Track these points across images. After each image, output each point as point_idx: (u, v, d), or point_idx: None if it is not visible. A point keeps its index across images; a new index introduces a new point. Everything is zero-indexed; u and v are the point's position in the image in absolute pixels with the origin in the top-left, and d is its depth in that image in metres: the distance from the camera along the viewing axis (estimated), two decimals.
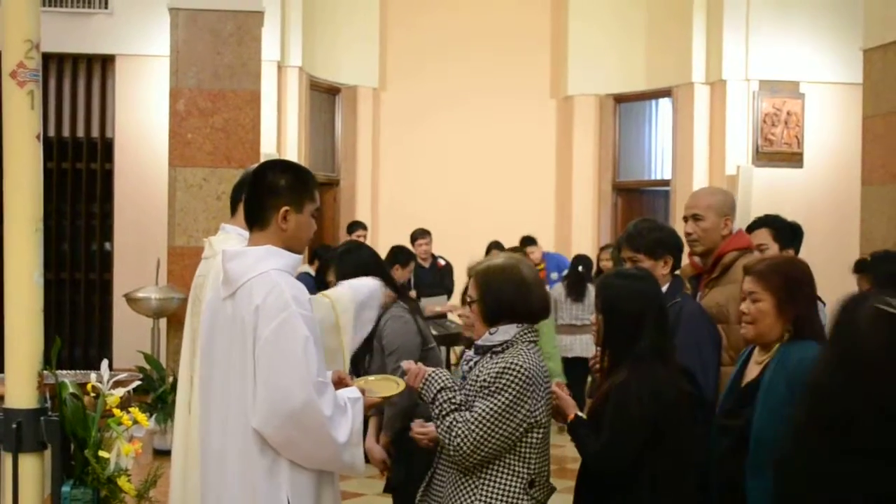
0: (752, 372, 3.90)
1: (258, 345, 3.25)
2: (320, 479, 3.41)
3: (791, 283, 3.80)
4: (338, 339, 4.60)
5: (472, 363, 3.80)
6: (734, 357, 4.41)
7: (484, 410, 3.56)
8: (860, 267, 5.10)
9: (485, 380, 3.61)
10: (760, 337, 3.85)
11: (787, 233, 5.30)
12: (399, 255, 9.94)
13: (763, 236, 5.29)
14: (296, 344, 3.25)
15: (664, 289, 4.61)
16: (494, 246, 10.54)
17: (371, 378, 3.93)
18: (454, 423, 3.59)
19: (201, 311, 3.87)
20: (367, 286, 4.88)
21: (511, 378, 3.59)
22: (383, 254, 8.27)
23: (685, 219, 4.91)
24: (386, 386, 3.81)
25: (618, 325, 3.88)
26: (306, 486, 3.35)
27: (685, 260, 4.93)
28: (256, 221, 3.47)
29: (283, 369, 3.23)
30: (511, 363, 3.60)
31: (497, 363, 3.63)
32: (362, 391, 3.55)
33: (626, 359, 3.83)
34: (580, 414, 3.92)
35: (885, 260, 5.12)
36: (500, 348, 3.70)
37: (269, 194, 3.44)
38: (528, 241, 11.39)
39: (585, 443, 3.83)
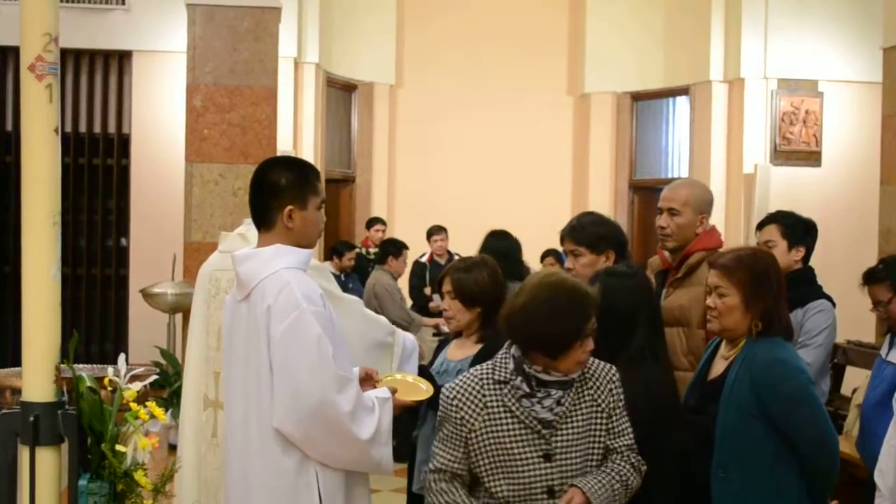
0: (719, 367, 3.85)
1: (271, 345, 3.27)
2: (350, 478, 3.41)
3: (758, 277, 3.73)
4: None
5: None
6: (693, 363, 4.31)
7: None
8: (872, 278, 4.98)
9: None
10: (726, 332, 3.79)
11: (798, 229, 5.22)
12: (391, 246, 10.07)
13: (771, 232, 5.21)
14: (308, 342, 3.25)
15: None
16: (550, 253, 10.46)
17: (398, 377, 3.90)
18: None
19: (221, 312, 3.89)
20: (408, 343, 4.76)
21: None
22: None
23: (659, 210, 4.76)
24: (413, 389, 3.79)
25: (611, 324, 3.75)
26: (337, 486, 3.35)
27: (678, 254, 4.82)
28: (262, 223, 3.47)
29: (297, 368, 3.25)
30: None
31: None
32: (393, 391, 3.54)
33: (620, 358, 3.73)
34: None
35: None
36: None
37: (271, 195, 3.43)
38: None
39: None
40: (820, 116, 12.21)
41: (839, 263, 5.17)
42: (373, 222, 12.31)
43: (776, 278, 3.76)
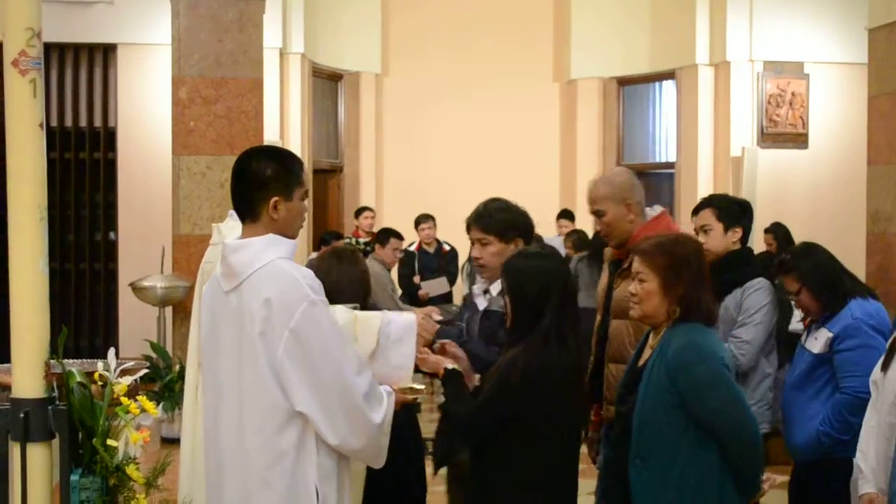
0: (646, 355, 3.84)
1: (280, 337, 3.24)
2: (340, 469, 3.41)
3: (676, 263, 3.71)
4: None
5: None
6: None
7: None
8: (782, 269, 5.03)
9: None
10: (647, 318, 3.79)
11: (734, 211, 5.25)
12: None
13: (707, 216, 5.23)
14: (324, 329, 3.27)
15: None
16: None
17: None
18: None
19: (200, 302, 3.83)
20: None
21: None
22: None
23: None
24: (408, 389, 3.80)
25: (523, 306, 3.80)
26: (330, 475, 3.35)
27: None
28: (247, 214, 3.42)
29: (316, 357, 3.25)
30: None
31: None
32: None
33: (532, 338, 3.77)
34: (453, 367, 3.86)
35: (807, 253, 5.05)
36: None
37: (255, 186, 3.38)
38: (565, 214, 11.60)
39: (454, 400, 3.82)
40: (806, 98, 12.23)
41: (827, 244, 5.15)
42: (361, 210, 12.32)
43: (696, 264, 3.74)
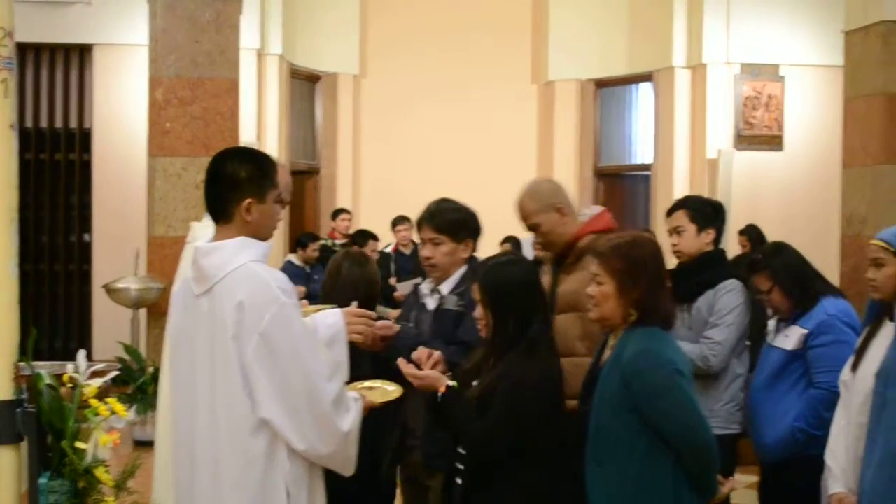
0: (605, 356, 3.82)
1: (250, 340, 3.20)
2: (312, 474, 3.39)
3: (633, 265, 3.66)
4: None
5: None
6: (591, 348, 4.30)
7: None
8: (753, 268, 5.06)
9: None
10: (604, 320, 3.75)
11: (706, 213, 5.27)
12: (358, 237, 10.08)
13: (680, 218, 5.25)
14: (294, 333, 3.24)
15: (460, 274, 4.56)
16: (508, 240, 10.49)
17: (366, 384, 3.84)
18: None
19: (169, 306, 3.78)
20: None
21: None
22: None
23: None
24: (380, 392, 3.76)
25: (510, 316, 3.82)
26: (301, 479, 3.33)
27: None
28: (220, 215, 3.38)
29: (285, 361, 3.22)
30: None
31: None
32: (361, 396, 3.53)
33: (518, 348, 3.79)
34: (452, 384, 3.83)
35: (777, 252, 5.10)
36: None
37: (229, 187, 3.34)
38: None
39: (466, 420, 3.75)
40: (782, 101, 12.26)
41: (802, 247, 5.17)
42: (338, 212, 12.29)
43: (654, 266, 3.70)
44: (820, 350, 4.75)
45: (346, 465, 3.43)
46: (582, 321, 4.33)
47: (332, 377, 3.33)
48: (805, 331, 4.80)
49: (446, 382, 3.80)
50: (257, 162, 3.42)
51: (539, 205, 4.73)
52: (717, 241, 5.27)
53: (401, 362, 3.82)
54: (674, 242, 5.27)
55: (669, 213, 5.35)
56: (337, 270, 4.81)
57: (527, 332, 3.80)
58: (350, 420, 3.35)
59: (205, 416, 3.33)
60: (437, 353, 4.01)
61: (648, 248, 3.75)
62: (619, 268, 3.65)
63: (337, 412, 3.30)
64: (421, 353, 4.00)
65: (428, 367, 3.94)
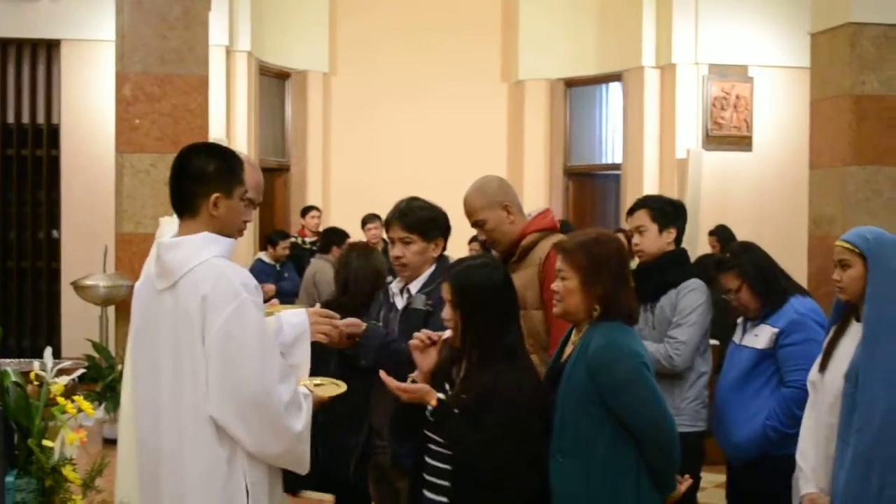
0: (568, 351, 3.85)
1: (209, 335, 3.18)
2: (271, 472, 3.38)
3: (596, 261, 3.70)
4: None
5: None
6: (534, 345, 4.36)
7: None
8: (721, 267, 5.09)
9: None
10: (568, 315, 3.79)
11: (668, 212, 5.28)
12: (334, 235, 10.06)
13: (641, 217, 5.26)
14: (251, 331, 3.20)
15: (429, 273, 4.54)
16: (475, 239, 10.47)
17: (316, 381, 3.78)
18: None
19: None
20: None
21: None
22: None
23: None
24: (329, 388, 3.73)
25: (484, 319, 3.74)
26: (261, 478, 3.32)
27: None
28: (186, 210, 3.36)
29: (239, 357, 3.18)
30: None
31: None
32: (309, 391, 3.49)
33: (497, 354, 3.71)
34: (442, 397, 3.76)
35: (746, 251, 5.13)
36: None
37: (196, 181, 3.32)
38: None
39: (462, 435, 3.67)
40: (750, 101, 12.35)
41: (771, 247, 5.20)
42: (308, 210, 12.27)
43: (617, 262, 3.74)
44: (791, 349, 4.78)
45: (300, 464, 3.40)
46: (524, 318, 4.30)
47: (286, 378, 3.29)
48: (776, 329, 4.83)
49: (437, 395, 3.72)
50: (225, 157, 3.40)
51: (486, 201, 4.73)
52: (678, 240, 5.29)
53: (384, 376, 3.75)
54: (635, 242, 5.28)
55: (631, 212, 5.36)
56: (346, 262, 5.26)
57: (501, 337, 3.72)
58: (302, 419, 3.31)
59: (168, 413, 3.30)
60: (446, 332, 3.90)
61: (612, 244, 3.80)
62: (583, 264, 3.69)
63: (289, 413, 3.26)
64: (426, 333, 3.92)
65: (438, 346, 3.89)
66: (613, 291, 3.69)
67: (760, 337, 4.89)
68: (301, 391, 3.39)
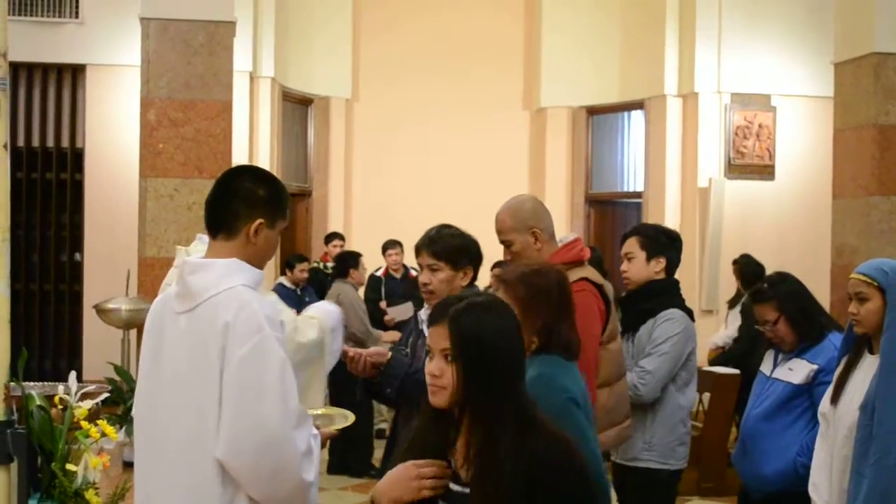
0: None
1: (228, 368, 3.00)
2: None
3: (536, 294, 3.56)
4: (322, 361, 4.44)
5: None
6: None
7: None
8: (758, 298, 4.97)
9: None
10: None
11: (659, 241, 5.23)
12: (349, 258, 10.12)
13: (631, 244, 5.23)
14: (272, 369, 3.01)
15: None
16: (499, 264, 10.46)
17: (319, 412, 3.71)
18: None
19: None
20: (335, 312, 4.60)
21: None
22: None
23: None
24: (339, 418, 3.66)
25: (489, 371, 2.79)
26: None
27: None
28: (223, 228, 3.19)
29: (258, 397, 2.99)
30: None
31: None
32: (317, 427, 3.28)
33: (505, 414, 2.79)
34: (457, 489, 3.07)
35: (783, 281, 5.03)
36: None
37: (244, 202, 3.18)
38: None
39: None
40: (773, 130, 12.32)
41: (794, 275, 5.16)
42: (331, 237, 12.28)
43: (558, 295, 3.62)
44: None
45: None
46: None
47: (302, 424, 3.09)
48: (814, 367, 4.70)
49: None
50: (276, 187, 3.28)
51: (515, 223, 4.64)
52: (669, 270, 5.23)
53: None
54: (623, 269, 5.24)
55: (624, 238, 5.34)
56: None
57: (509, 397, 2.80)
58: (314, 469, 3.12)
59: (180, 438, 3.13)
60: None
61: (552, 276, 3.67)
62: (522, 295, 3.55)
63: (304, 462, 3.07)
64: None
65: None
66: (553, 324, 3.55)
67: (796, 371, 4.76)
68: (312, 432, 3.17)
